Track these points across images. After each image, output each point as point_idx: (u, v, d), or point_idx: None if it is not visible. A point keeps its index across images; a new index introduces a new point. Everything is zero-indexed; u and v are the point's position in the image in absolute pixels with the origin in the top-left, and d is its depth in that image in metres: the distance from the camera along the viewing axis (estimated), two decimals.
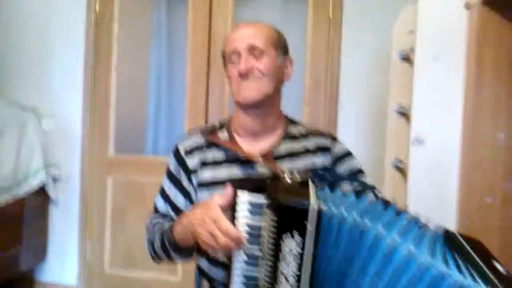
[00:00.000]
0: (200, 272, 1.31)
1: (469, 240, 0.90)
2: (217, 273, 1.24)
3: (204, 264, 1.28)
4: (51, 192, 2.98)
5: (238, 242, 0.94)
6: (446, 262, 0.77)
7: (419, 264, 0.76)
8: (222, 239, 0.94)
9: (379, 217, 0.87)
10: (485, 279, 0.74)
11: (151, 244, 1.24)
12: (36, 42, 3.08)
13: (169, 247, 1.17)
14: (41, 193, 2.94)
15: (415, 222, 0.91)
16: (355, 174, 1.27)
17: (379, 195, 1.11)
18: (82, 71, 3.05)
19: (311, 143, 1.29)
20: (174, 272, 2.98)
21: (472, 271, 0.76)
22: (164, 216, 1.29)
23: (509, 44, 1.66)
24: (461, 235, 0.90)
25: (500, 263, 0.81)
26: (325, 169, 1.25)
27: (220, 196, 0.99)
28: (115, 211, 3.07)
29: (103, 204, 3.08)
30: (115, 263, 3.08)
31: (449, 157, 1.69)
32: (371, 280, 0.83)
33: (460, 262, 0.78)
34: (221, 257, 1.17)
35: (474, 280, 0.74)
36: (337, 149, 1.29)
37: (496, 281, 0.74)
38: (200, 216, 1.01)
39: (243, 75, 1.19)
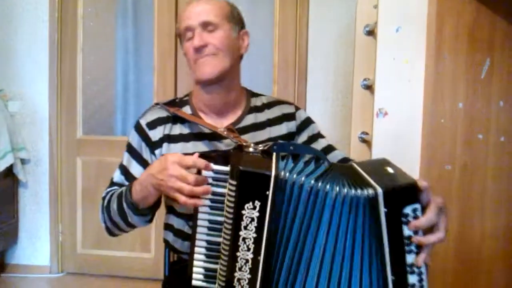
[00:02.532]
0: (167, 245, 1.33)
1: (368, 162, 1.09)
2: (182, 245, 1.26)
3: (170, 237, 1.29)
4: (20, 175, 2.95)
5: (206, 168, 0.96)
6: (342, 186, 0.96)
7: (323, 192, 0.95)
8: (191, 177, 0.96)
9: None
10: (355, 185, 0.95)
11: (107, 212, 1.22)
12: None
13: (127, 209, 1.15)
14: (10, 176, 2.91)
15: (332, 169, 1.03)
16: (316, 137, 1.33)
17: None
18: (47, 53, 3.00)
19: (275, 112, 1.32)
20: (147, 249, 3.00)
21: (352, 184, 0.95)
22: (120, 186, 1.26)
23: (468, 17, 1.70)
24: (361, 163, 1.06)
25: (393, 167, 0.99)
26: (288, 138, 1.29)
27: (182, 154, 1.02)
28: (85, 191, 3.06)
29: (73, 185, 3.06)
30: (87, 243, 3.08)
31: (412, 127, 1.75)
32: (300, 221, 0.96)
33: (346, 181, 0.97)
34: (187, 209, 1.18)
35: (350, 188, 0.94)
36: (300, 116, 1.34)
37: (373, 183, 0.93)
38: (160, 166, 1.02)
39: (198, 50, 1.18)
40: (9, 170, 2.86)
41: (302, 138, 1.31)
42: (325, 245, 0.95)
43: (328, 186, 0.95)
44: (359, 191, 0.93)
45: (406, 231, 0.91)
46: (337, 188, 0.95)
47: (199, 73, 1.21)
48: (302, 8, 2.86)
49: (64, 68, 3.04)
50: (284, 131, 1.29)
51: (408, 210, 0.91)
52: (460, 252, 1.75)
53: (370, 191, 0.92)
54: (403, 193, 0.91)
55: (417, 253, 0.92)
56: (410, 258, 0.92)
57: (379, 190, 0.91)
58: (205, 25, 1.19)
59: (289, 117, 1.32)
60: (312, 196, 0.95)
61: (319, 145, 1.32)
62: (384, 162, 1.02)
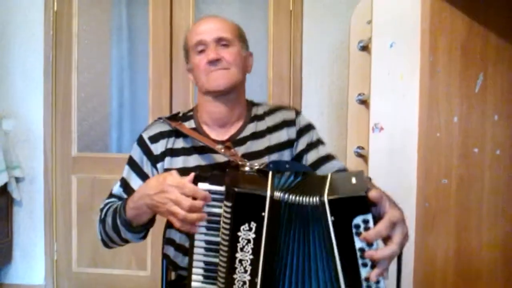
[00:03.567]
0: (167, 260, 1.32)
1: (343, 174, 1.10)
2: (182, 260, 1.25)
3: (171, 252, 1.29)
4: (14, 193, 2.92)
5: (205, 200, 0.96)
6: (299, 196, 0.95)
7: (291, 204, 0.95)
8: (187, 203, 0.96)
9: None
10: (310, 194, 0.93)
11: (103, 225, 1.22)
12: None
13: (121, 226, 1.16)
14: (4, 195, 2.88)
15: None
16: (315, 144, 1.34)
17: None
18: (42, 70, 2.99)
19: (276, 118, 1.33)
20: (143, 266, 2.97)
21: (307, 194, 0.94)
22: (118, 199, 1.28)
23: (461, 33, 1.72)
24: (336, 174, 1.04)
25: (359, 179, 0.96)
26: (288, 145, 1.31)
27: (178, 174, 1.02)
28: (81, 209, 3.02)
29: (68, 203, 3.03)
30: (83, 261, 3.04)
31: (407, 142, 1.76)
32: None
33: (306, 192, 0.96)
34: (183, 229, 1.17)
35: (303, 197, 0.93)
36: (300, 122, 1.35)
37: (325, 192, 0.92)
38: (157, 187, 1.02)
39: (212, 62, 1.22)
40: (3, 189, 2.83)
41: (301, 145, 1.32)
42: (293, 262, 0.95)
43: (294, 198, 0.94)
44: (307, 199, 0.92)
45: (359, 243, 0.89)
46: (297, 199, 0.94)
47: (211, 84, 1.24)
48: (296, 24, 2.88)
49: (58, 85, 3.03)
50: (285, 137, 1.31)
51: (358, 221, 0.88)
52: (458, 265, 1.75)
53: (316, 199, 0.91)
54: (351, 202, 0.89)
55: (373, 267, 0.90)
56: (365, 272, 0.90)
57: (325, 198, 0.90)
58: (219, 41, 1.24)
59: (290, 123, 1.33)
60: (287, 210, 0.95)
61: (318, 153, 1.32)
62: (355, 173, 1.00)
